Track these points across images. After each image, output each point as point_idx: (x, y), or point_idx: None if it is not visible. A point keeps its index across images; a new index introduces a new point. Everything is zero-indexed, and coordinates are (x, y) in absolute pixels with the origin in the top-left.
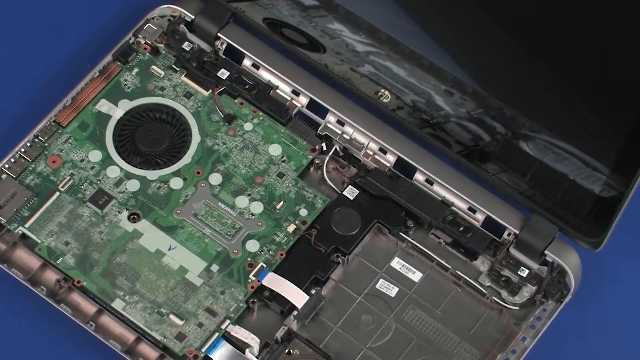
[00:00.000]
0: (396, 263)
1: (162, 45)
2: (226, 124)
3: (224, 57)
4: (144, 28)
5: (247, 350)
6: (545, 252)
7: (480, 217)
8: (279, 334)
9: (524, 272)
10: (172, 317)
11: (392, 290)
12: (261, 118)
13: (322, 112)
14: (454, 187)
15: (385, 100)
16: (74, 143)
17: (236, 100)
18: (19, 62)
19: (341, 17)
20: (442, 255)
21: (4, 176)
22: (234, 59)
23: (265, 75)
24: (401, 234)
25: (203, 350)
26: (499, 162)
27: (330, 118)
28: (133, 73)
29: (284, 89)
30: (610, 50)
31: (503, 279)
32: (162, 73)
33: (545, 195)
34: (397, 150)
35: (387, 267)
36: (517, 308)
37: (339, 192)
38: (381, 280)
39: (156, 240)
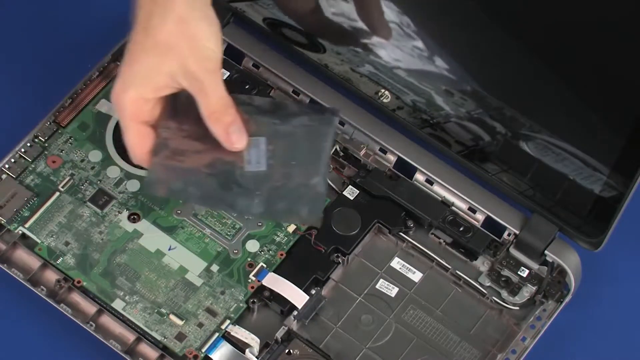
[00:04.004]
0: (396, 263)
1: None
2: None
3: (224, 57)
4: None
5: (247, 350)
6: (545, 252)
7: (480, 217)
8: (279, 334)
9: (524, 272)
10: (172, 317)
11: (392, 290)
12: None
13: None
14: (454, 187)
15: (385, 100)
16: (74, 143)
17: None
18: (19, 62)
19: None
20: (442, 255)
21: (4, 176)
22: (234, 59)
23: (265, 75)
24: (401, 234)
25: (203, 350)
26: (499, 162)
27: None
28: None
29: (284, 89)
30: (610, 50)
31: (503, 279)
32: None
33: (545, 195)
34: (397, 150)
35: (387, 267)
36: (517, 308)
37: (339, 192)
38: (381, 280)
39: (156, 240)
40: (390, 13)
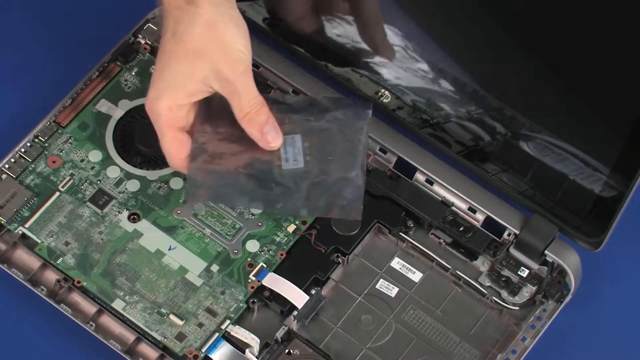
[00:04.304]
0: (396, 263)
1: None
2: None
3: None
4: (144, 28)
5: (247, 350)
6: (545, 252)
7: (480, 217)
8: (279, 334)
9: (524, 272)
10: (172, 317)
11: (392, 290)
12: None
13: None
14: (454, 187)
15: (385, 100)
16: (74, 143)
17: None
18: (19, 62)
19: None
20: (442, 255)
21: (4, 176)
22: None
23: (265, 75)
24: (401, 234)
25: (203, 350)
26: (499, 162)
27: None
28: (133, 73)
29: (284, 88)
30: (610, 50)
31: (503, 279)
32: None
33: (545, 195)
34: (397, 150)
35: (387, 267)
36: (517, 308)
37: None
38: (381, 280)
39: (156, 240)
40: (390, 13)
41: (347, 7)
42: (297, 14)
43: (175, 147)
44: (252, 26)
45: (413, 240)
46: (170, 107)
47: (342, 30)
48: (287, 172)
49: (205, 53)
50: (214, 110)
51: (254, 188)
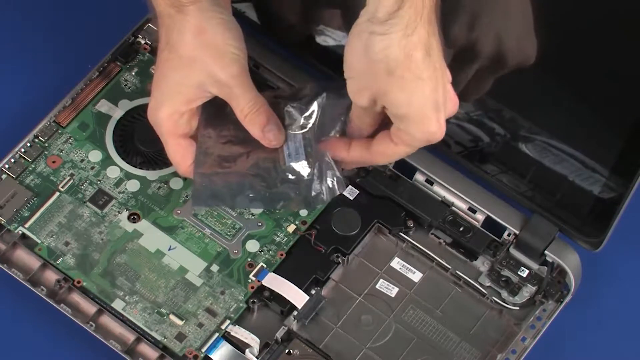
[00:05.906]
0: (396, 263)
1: None
2: None
3: None
4: (144, 28)
5: (247, 350)
6: (545, 252)
7: (480, 217)
8: (279, 334)
9: (524, 272)
10: (172, 317)
11: (392, 290)
12: None
13: None
14: (454, 187)
15: None
16: (74, 143)
17: None
18: (19, 62)
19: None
20: (442, 255)
21: (4, 176)
22: None
23: (265, 75)
24: (401, 234)
25: (203, 350)
26: (498, 163)
27: None
28: (133, 73)
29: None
30: (610, 51)
31: (503, 279)
32: None
33: (545, 196)
34: None
35: (387, 267)
36: (517, 308)
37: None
38: (381, 280)
39: (156, 240)
40: None
41: (339, 16)
42: (291, 21)
43: (180, 154)
44: (252, 26)
45: (413, 240)
46: (170, 115)
47: (338, 36)
48: (290, 168)
49: (199, 59)
50: (216, 114)
51: (261, 188)
